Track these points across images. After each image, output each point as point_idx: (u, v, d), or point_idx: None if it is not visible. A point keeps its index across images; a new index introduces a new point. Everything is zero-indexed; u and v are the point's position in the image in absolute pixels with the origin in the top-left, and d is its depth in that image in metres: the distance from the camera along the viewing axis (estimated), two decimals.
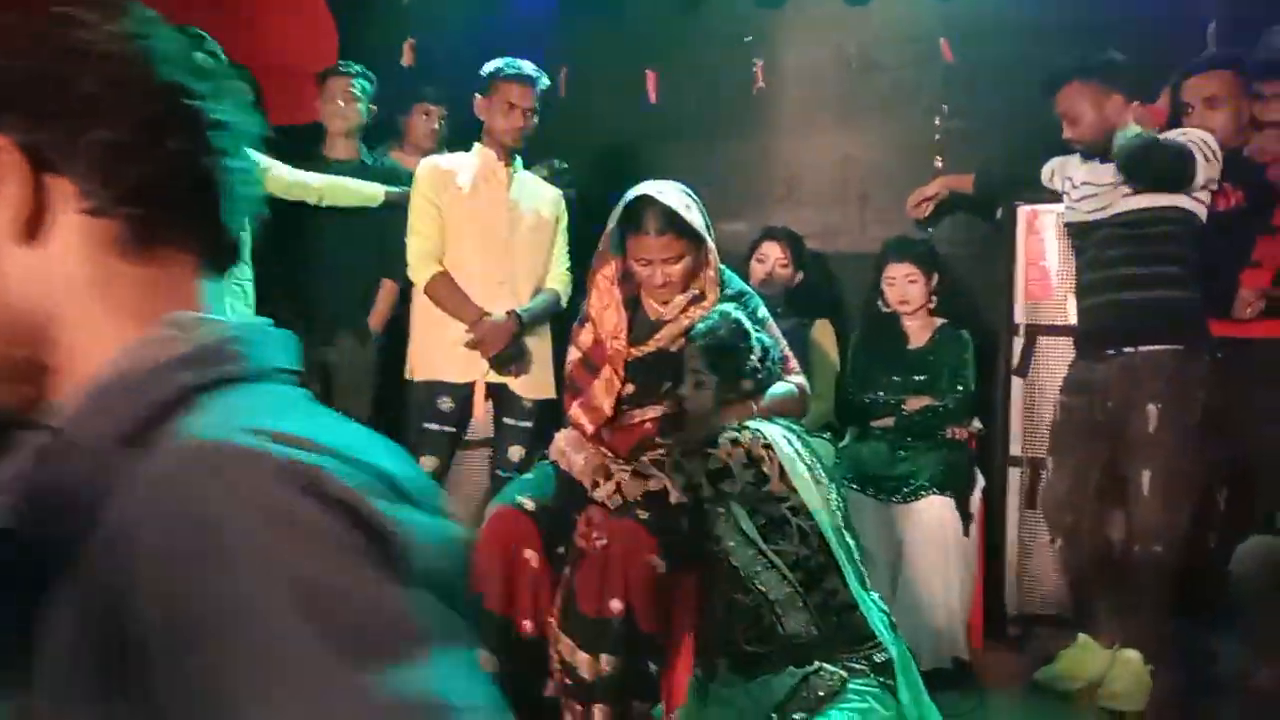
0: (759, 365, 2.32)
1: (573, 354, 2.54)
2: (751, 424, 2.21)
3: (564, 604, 2.19)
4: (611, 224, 2.41)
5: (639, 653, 2.18)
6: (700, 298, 2.44)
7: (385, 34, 4.22)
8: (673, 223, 2.31)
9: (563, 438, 2.38)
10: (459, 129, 3.57)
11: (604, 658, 2.13)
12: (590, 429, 2.43)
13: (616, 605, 2.14)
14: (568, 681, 2.17)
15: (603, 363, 2.46)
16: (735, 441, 2.16)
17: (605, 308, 2.47)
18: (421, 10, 4.22)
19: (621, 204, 2.37)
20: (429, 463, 3.01)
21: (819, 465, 2.25)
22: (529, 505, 2.29)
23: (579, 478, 2.28)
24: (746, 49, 4.00)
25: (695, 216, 2.34)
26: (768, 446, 2.16)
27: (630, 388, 2.46)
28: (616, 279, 2.47)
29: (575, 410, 2.48)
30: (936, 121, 3.85)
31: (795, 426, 2.32)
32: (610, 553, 2.17)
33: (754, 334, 2.32)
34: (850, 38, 3.92)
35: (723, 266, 2.51)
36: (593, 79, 4.04)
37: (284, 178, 3.27)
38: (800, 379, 2.47)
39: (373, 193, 3.45)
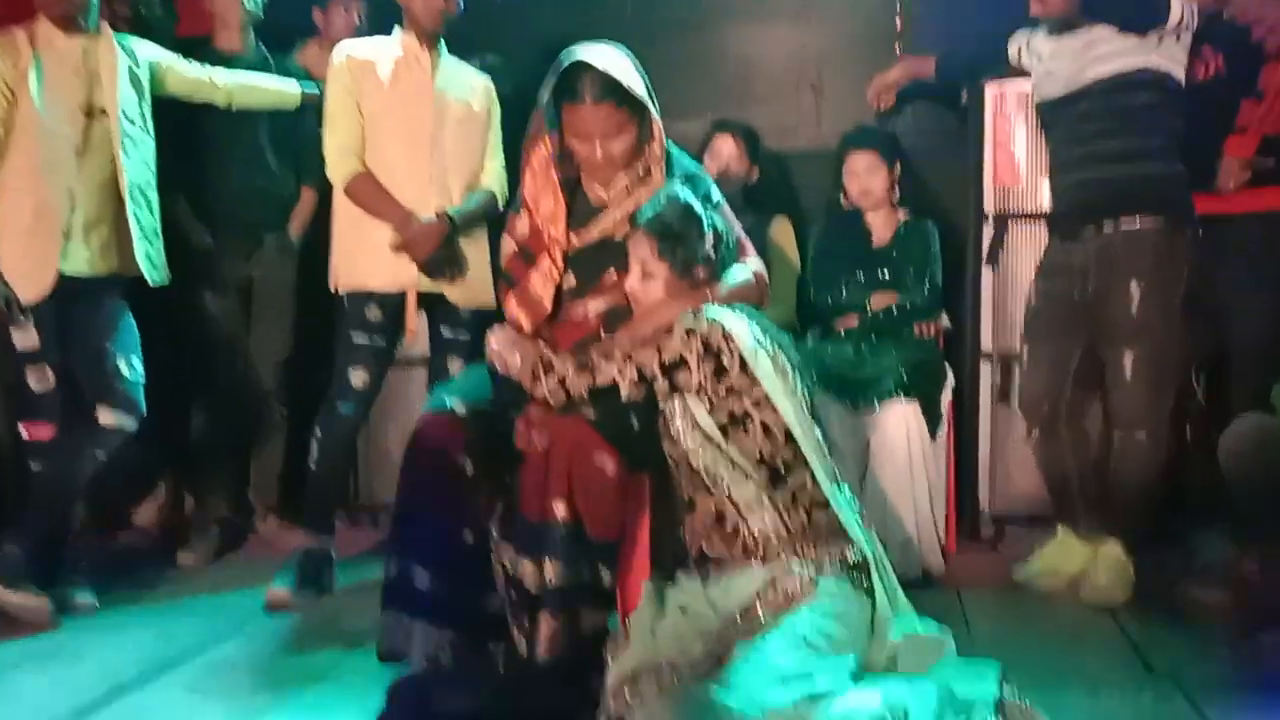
0: (712, 251, 2.11)
1: (507, 244, 2.31)
2: (709, 312, 2.00)
3: (505, 509, 2.00)
4: (544, 95, 2.16)
5: (589, 560, 1.99)
6: (646, 176, 2.21)
7: None
8: (612, 91, 2.07)
9: (496, 336, 2.16)
10: (383, 27, 3.27)
11: (548, 564, 1.94)
12: (528, 326, 2.21)
13: (560, 508, 1.95)
14: (512, 593, 1.98)
15: (540, 252, 2.23)
16: (691, 331, 1.95)
17: (541, 191, 2.23)
18: None
19: (553, 71, 2.12)
20: (359, 377, 2.78)
21: (783, 354, 2.05)
22: (460, 410, 2.08)
23: (518, 377, 2.06)
24: None
25: (637, 83, 2.10)
26: (727, 336, 1.96)
27: (571, 279, 2.24)
28: (553, 159, 2.23)
29: (512, 306, 2.25)
30: (897, 7, 3.62)
31: (756, 314, 2.11)
32: (553, 453, 1.96)
33: (706, 217, 2.10)
34: None
35: (672, 144, 2.27)
36: None
37: (187, 76, 2.98)
38: (758, 264, 2.26)
39: (288, 92, 3.17)
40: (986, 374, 3.21)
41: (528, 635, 1.94)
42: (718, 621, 1.91)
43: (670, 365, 1.95)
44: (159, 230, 2.87)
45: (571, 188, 2.26)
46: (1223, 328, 2.86)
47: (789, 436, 1.97)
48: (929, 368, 3.11)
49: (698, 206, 2.10)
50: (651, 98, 2.15)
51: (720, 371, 1.94)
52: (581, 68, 2.07)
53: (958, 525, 3.19)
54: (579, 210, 2.25)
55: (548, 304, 2.21)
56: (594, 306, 2.22)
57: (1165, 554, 2.84)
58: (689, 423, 1.97)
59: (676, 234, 2.07)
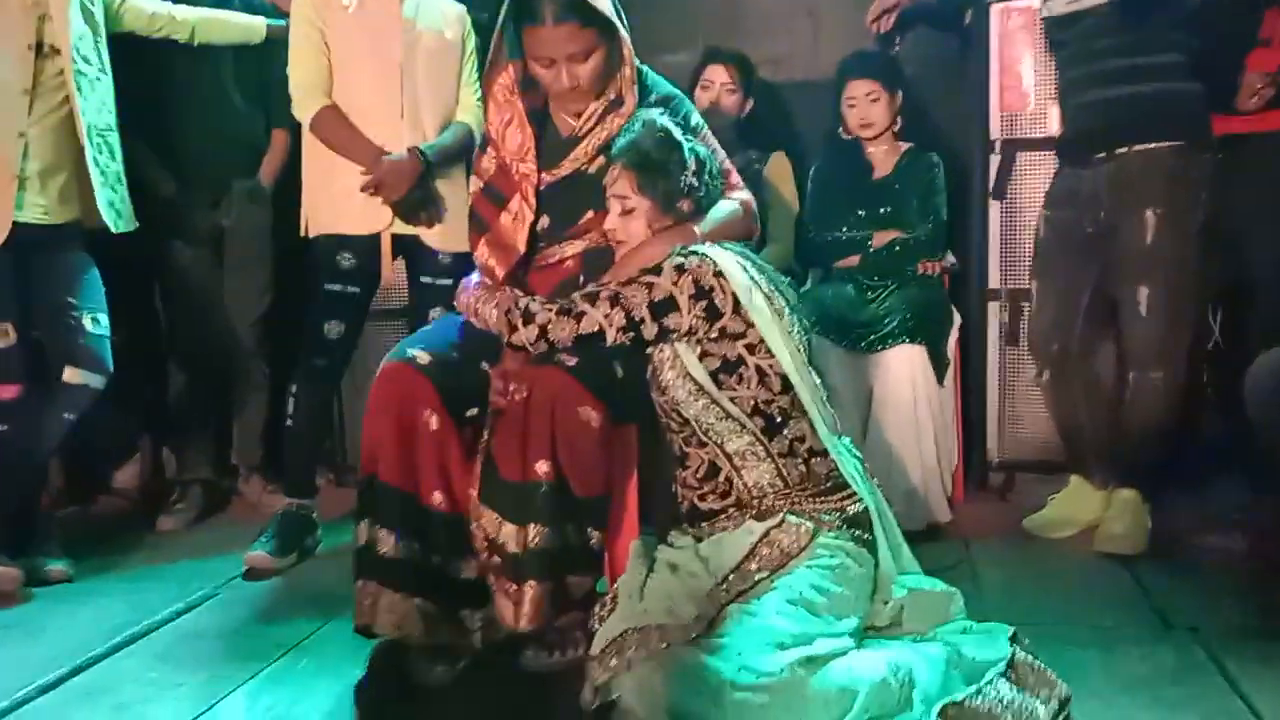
0: (695, 181, 1.94)
1: (474, 184, 2.14)
2: (699, 249, 1.85)
3: (484, 471, 1.85)
4: (502, 18, 1.98)
5: (575, 521, 1.86)
6: (618, 103, 2.02)
7: None
8: (575, 9, 1.88)
9: (468, 290, 2.01)
10: None
11: (532, 528, 1.81)
12: (501, 272, 2.05)
13: (543, 467, 1.81)
14: (494, 559, 1.84)
15: (511, 192, 2.07)
16: (681, 269, 1.80)
17: (507, 124, 2.06)
18: None
19: None
20: (334, 328, 2.64)
21: (779, 294, 1.90)
22: (422, 359, 1.93)
23: (495, 329, 1.91)
24: None
25: (603, 0, 1.92)
26: (719, 274, 1.81)
27: (545, 220, 2.07)
28: (517, 88, 2.05)
29: (482, 251, 2.09)
30: None
31: (749, 250, 1.96)
32: (533, 406, 1.81)
33: (686, 144, 1.93)
34: None
35: (645, 68, 2.10)
36: None
37: (144, 9, 2.81)
38: (745, 194, 2.09)
39: (253, 26, 3.00)
40: (994, 314, 3.06)
41: (514, 600, 1.82)
42: (710, 581, 1.80)
43: (658, 306, 1.81)
44: (122, 176, 2.72)
45: (540, 119, 2.08)
46: (1241, 259, 2.71)
47: (785, 383, 1.84)
48: (934, 309, 2.96)
49: (677, 133, 1.93)
50: (620, 16, 1.96)
51: (713, 312, 1.80)
52: None
53: (965, 474, 3.07)
54: (549, 144, 2.07)
55: (521, 247, 2.05)
56: (571, 248, 2.06)
57: (1182, 501, 2.71)
58: (679, 371, 1.83)
59: (656, 164, 1.90)
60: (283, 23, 2.94)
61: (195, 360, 3.21)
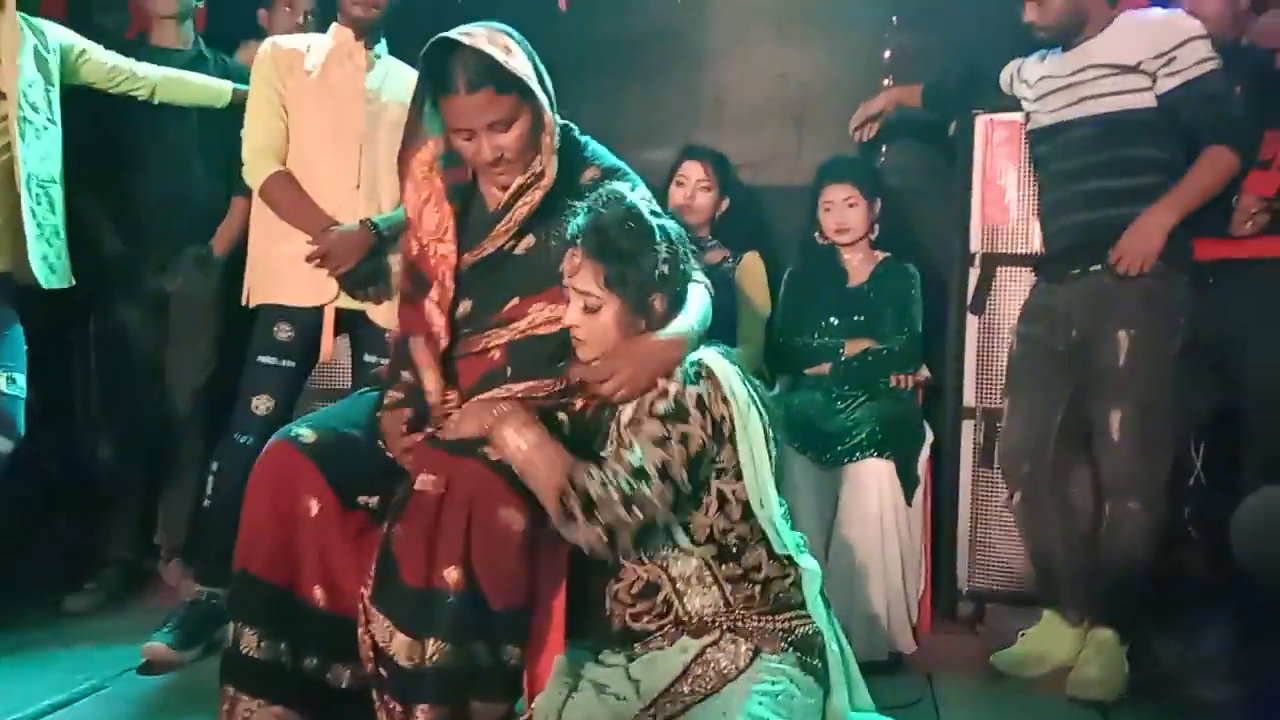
0: (667, 270, 1.73)
1: (398, 266, 1.99)
2: (703, 361, 1.66)
3: (380, 567, 1.64)
4: (416, 89, 1.84)
5: (487, 637, 1.65)
6: (539, 176, 1.83)
7: None
8: (487, 74, 1.73)
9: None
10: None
11: (431, 643, 1.60)
12: (429, 360, 1.88)
13: (453, 574, 1.60)
14: (381, 671, 1.63)
15: (431, 276, 1.91)
16: (702, 406, 1.63)
17: (425, 202, 1.90)
18: None
19: (422, 56, 1.78)
20: (263, 403, 2.47)
21: (766, 409, 1.73)
22: (307, 438, 1.75)
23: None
24: None
25: (520, 63, 1.75)
26: (725, 400, 1.64)
27: (466, 304, 1.89)
28: (437, 164, 1.89)
29: (412, 341, 1.93)
30: (885, 36, 3.39)
31: (733, 354, 1.76)
32: (447, 502, 1.62)
33: (657, 224, 1.75)
34: None
35: (587, 138, 1.95)
36: None
37: (103, 63, 2.72)
38: (702, 277, 1.90)
39: (218, 89, 2.91)
40: (968, 433, 2.91)
41: None
42: (638, 704, 1.60)
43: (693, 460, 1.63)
44: (60, 230, 2.59)
45: (467, 196, 1.93)
46: (1230, 389, 2.58)
47: (747, 509, 1.67)
48: (906, 423, 2.82)
49: (647, 212, 1.74)
50: (541, 78, 1.81)
51: (718, 439, 1.64)
52: (451, 49, 1.74)
53: (933, 602, 2.88)
54: (474, 221, 1.91)
55: (444, 336, 1.87)
56: (496, 337, 1.87)
57: (1162, 643, 2.52)
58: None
59: (625, 255, 1.70)
60: (247, 87, 2.86)
61: (125, 428, 3.03)
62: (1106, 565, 2.41)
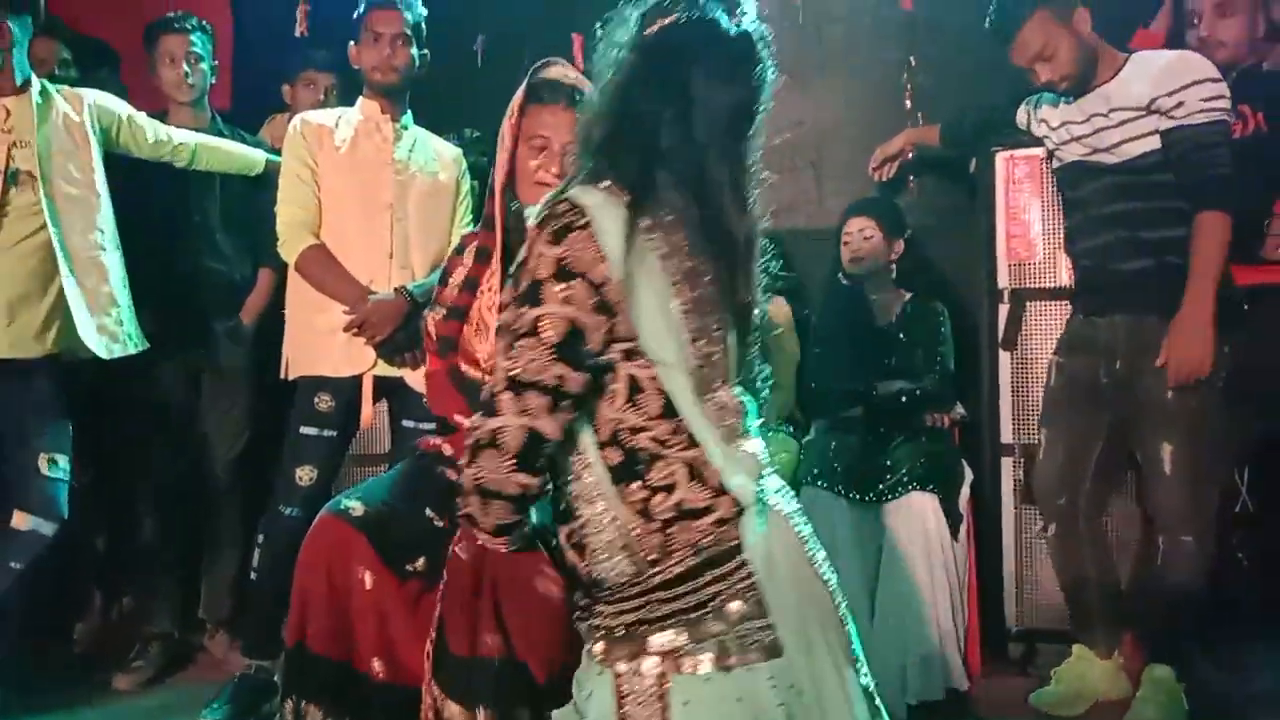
0: None
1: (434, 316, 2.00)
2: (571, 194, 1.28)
3: (436, 640, 1.65)
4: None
5: (533, 705, 1.62)
6: None
7: (281, 2, 3.76)
8: (572, 99, 1.81)
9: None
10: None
11: (482, 711, 1.59)
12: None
13: (493, 641, 1.60)
14: None
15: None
16: (560, 237, 1.25)
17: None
18: None
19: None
20: (306, 474, 2.50)
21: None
22: (357, 511, 1.76)
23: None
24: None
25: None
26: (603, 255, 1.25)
27: None
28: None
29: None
30: (904, 77, 3.42)
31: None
32: (486, 572, 1.63)
33: None
34: None
35: None
36: (513, 46, 3.57)
37: (147, 129, 2.76)
38: None
39: (252, 157, 2.96)
40: (1008, 470, 2.89)
41: None
42: None
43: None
44: (118, 296, 2.62)
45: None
46: (1272, 415, 2.56)
47: (669, 404, 1.27)
48: (944, 461, 2.81)
49: None
50: None
51: (604, 310, 1.25)
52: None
53: (981, 643, 2.83)
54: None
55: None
56: None
57: (1217, 677, 2.48)
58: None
59: None
60: (279, 159, 2.91)
61: (164, 502, 3.05)
62: (1161, 600, 2.38)
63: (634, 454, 1.25)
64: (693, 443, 1.26)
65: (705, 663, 1.22)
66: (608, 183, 1.27)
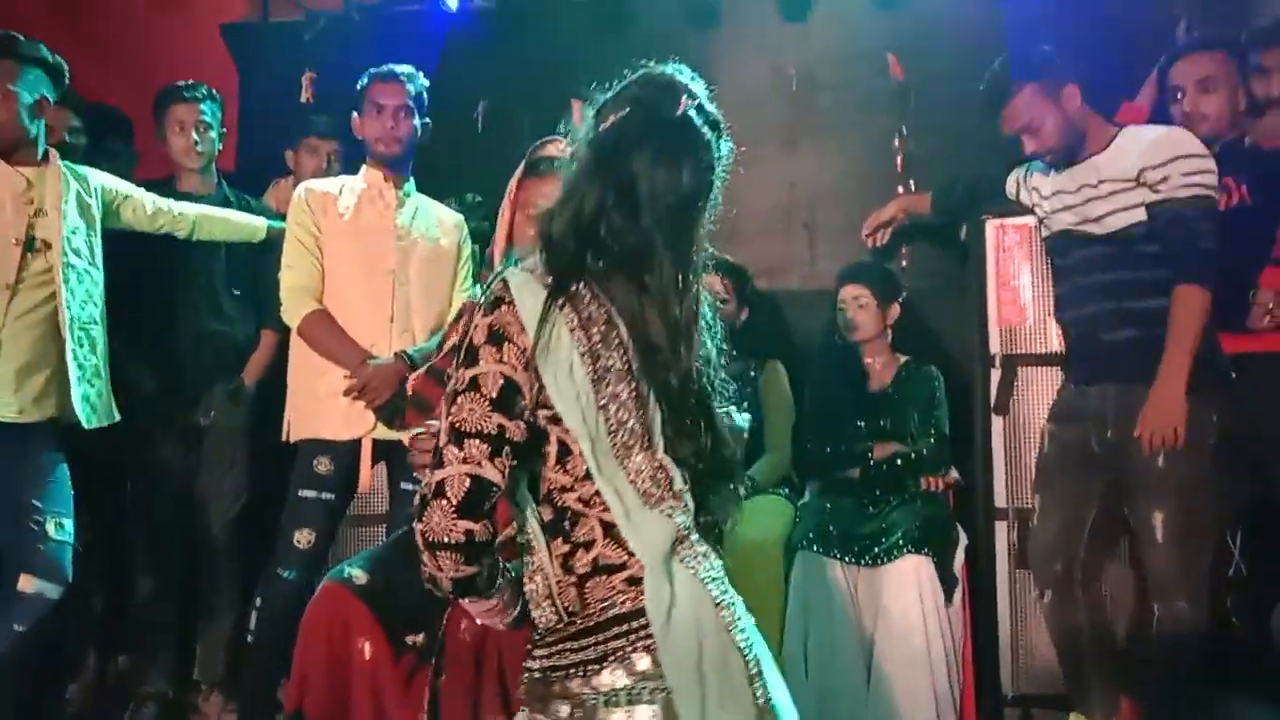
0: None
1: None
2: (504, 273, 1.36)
3: (429, 708, 1.66)
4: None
5: None
6: None
7: (285, 68, 3.84)
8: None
9: None
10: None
11: None
12: None
13: None
14: None
15: None
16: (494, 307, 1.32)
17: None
18: (324, 45, 3.85)
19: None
20: (305, 537, 2.52)
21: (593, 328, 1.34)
22: (359, 579, 1.78)
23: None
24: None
25: None
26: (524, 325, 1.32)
27: None
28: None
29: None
30: (896, 144, 3.49)
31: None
32: (485, 653, 1.65)
33: None
34: (790, 57, 3.59)
35: None
36: (513, 112, 3.65)
37: (144, 204, 2.82)
38: None
39: (252, 226, 3.01)
40: (1002, 533, 2.90)
41: None
42: None
43: None
44: (101, 370, 2.66)
45: None
46: (1263, 479, 2.59)
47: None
48: (940, 523, 2.84)
49: None
50: None
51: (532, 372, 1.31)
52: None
53: (977, 708, 2.82)
54: None
55: None
56: None
57: None
58: None
59: None
60: (281, 225, 2.96)
61: (162, 562, 3.05)
62: (1157, 664, 2.39)
63: (562, 511, 1.33)
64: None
65: (616, 714, 1.26)
66: (538, 266, 1.35)
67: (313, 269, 2.61)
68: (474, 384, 1.28)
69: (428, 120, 2.73)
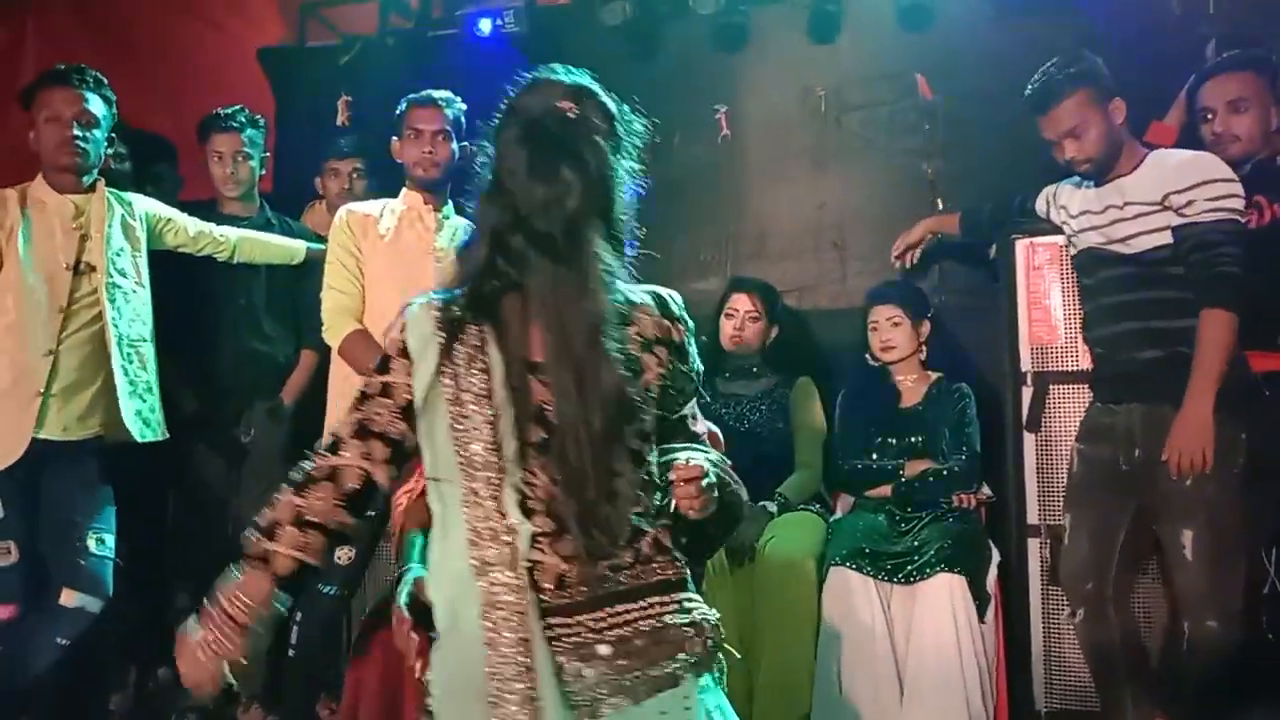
0: None
1: None
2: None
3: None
4: None
5: None
6: None
7: (321, 92, 3.93)
8: None
9: None
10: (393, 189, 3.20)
11: None
12: None
13: None
14: None
15: None
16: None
17: None
18: (359, 69, 3.93)
19: None
20: (344, 553, 2.56)
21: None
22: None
23: None
24: (708, 96, 3.71)
25: None
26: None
27: None
28: None
29: None
30: (925, 164, 3.52)
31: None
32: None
33: None
34: (819, 78, 3.63)
35: None
36: None
37: (186, 228, 2.90)
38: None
39: (292, 248, 3.08)
40: (1034, 551, 2.91)
41: None
42: None
43: None
44: (153, 385, 2.73)
45: None
46: None
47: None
48: (972, 540, 2.85)
49: None
50: None
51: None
52: None
53: None
54: None
55: None
56: None
57: None
58: None
59: None
60: (321, 246, 3.03)
61: (203, 577, 3.10)
62: (1190, 683, 2.39)
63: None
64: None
65: None
66: (438, 296, 1.39)
67: (354, 289, 2.67)
68: (385, 390, 1.37)
69: (466, 143, 2.78)
